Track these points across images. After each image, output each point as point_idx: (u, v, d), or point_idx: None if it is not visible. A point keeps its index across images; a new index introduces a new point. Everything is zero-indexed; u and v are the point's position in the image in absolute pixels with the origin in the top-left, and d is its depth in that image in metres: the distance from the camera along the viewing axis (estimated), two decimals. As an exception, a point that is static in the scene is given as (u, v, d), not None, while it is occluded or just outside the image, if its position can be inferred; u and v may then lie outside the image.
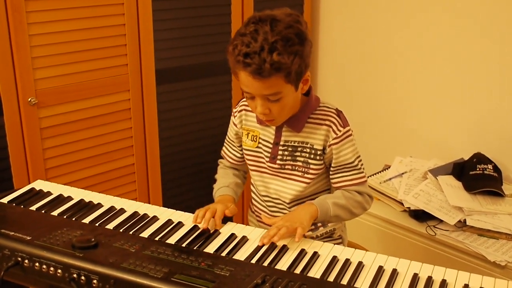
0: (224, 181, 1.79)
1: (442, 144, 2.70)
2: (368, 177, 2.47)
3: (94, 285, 1.30)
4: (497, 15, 2.40)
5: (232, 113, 1.79)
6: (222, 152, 1.87)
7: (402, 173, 2.49)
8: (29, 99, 2.15)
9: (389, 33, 2.80)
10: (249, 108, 1.72)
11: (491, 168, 2.35)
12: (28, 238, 1.41)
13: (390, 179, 2.48)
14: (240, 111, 1.75)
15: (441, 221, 2.20)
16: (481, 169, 2.35)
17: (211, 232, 1.52)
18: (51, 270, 1.34)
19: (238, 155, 1.82)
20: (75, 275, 1.31)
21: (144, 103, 2.47)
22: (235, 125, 1.77)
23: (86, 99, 2.31)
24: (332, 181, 1.68)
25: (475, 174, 2.34)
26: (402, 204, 2.32)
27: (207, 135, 2.74)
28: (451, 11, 2.54)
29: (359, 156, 1.67)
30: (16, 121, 2.15)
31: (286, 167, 1.67)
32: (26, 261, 1.37)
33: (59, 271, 1.33)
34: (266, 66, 1.43)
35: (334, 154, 1.63)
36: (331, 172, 1.67)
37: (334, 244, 1.64)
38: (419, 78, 2.74)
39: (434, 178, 2.39)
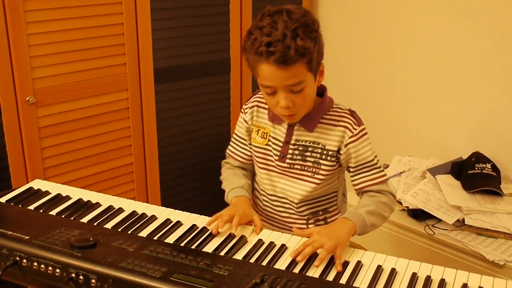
0: (237, 181, 1.72)
1: (441, 143, 2.71)
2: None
3: (92, 284, 1.29)
4: (497, 15, 2.40)
5: (242, 110, 1.76)
6: (229, 151, 1.82)
7: (401, 172, 2.49)
8: (27, 98, 2.14)
9: (388, 33, 2.80)
10: (261, 105, 1.71)
11: (490, 167, 2.35)
12: (26, 237, 1.41)
13: (389, 178, 2.47)
14: (252, 107, 1.73)
15: (439, 220, 2.20)
16: (479, 168, 2.35)
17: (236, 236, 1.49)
18: (49, 270, 1.34)
19: (249, 153, 1.78)
20: (73, 275, 1.31)
21: (142, 102, 2.47)
22: (245, 121, 1.74)
23: (84, 98, 2.31)
24: (354, 182, 1.66)
25: (473, 173, 2.34)
26: (400, 203, 2.31)
27: (205, 134, 2.73)
28: (451, 11, 2.54)
29: (376, 155, 1.65)
30: (14, 120, 2.15)
31: (295, 166, 1.66)
32: (24, 260, 1.36)
33: (58, 270, 1.33)
34: (291, 52, 1.42)
35: (353, 153, 1.61)
36: (351, 174, 1.65)
37: None
38: (418, 78, 2.74)
39: (432, 177, 2.39)
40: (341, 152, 1.62)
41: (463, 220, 2.16)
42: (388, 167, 2.58)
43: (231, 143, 1.82)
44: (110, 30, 2.30)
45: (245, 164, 1.80)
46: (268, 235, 1.51)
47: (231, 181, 1.74)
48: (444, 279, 1.31)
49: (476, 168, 2.35)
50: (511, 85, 2.42)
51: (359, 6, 2.88)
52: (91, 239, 1.40)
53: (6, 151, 2.16)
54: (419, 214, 2.25)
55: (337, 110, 1.65)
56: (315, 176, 1.64)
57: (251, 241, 1.47)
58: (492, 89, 2.48)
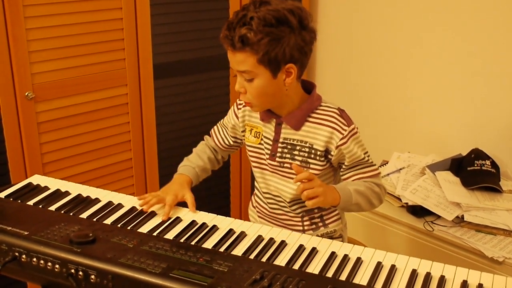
0: (194, 161, 1.80)
1: (440, 139, 2.70)
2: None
3: (92, 280, 1.29)
4: (496, 10, 2.39)
5: (236, 104, 1.77)
6: (212, 131, 1.87)
7: (400, 169, 2.49)
8: (26, 94, 2.14)
9: (387, 30, 2.80)
10: None
11: (489, 164, 2.35)
12: (26, 233, 1.41)
13: (388, 174, 2.48)
14: (245, 105, 1.73)
15: (438, 216, 2.20)
16: (479, 165, 2.35)
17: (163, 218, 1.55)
18: (48, 266, 1.33)
19: (226, 142, 1.83)
20: (72, 271, 1.31)
21: (141, 98, 2.47)
22: (236, 117, 1.76)
23: (83, 93, 2.30)
24: (344, 177, 1.66)
25: (473, 170, 2.34)
26: (400, 199, 2.31)
27: (204, 130, 2.70)
28: (450, 7, 2.54)
29: (367, 151, 1.66)
30: (13, 116, 2.14)
31: (285, 165, 1.66)
32: (24, 256, 1.36)
33: (57, 266, 1.33)
34: (235, 39, 1.49)
35: (346, 154, 1.61)
36: (342, 171, 1.66)
37: None
38: (417, 74, 2.73)
39: (432, 173, 2.39)
40: (332, 153, 1.61)
41: (462, 216, 2.16)
42: (387, 163, 2.58)
43: (218, 125, 1.87)
44: (109, 25, 2.30)
45: (218, 148, 1.86)
46: (268, 231, 1.50)
47: (191, 158, 1.83)
48: (444, 276, 1.31)
49: (476, 165, 2.35)
50: (510, 81, 2.42)
51: (359, 4, 2.88)
52: (91, 234, 1.40)
53: (5, 146, 2.15)
54: (418, 211, 2.25)
55: (325, 108, 1.64)
56: None
57: (251, 237, 1.47)
58: (492, 86, 2.48)
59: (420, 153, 2.65)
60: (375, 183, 1.65)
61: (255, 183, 1.82)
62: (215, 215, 1.59)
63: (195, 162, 1.80)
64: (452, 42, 2.56)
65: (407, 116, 2.82)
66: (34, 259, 1.35)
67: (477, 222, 2.13)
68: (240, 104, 1.75)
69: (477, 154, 2.40)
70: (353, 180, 1.65)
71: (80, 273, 1.30)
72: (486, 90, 2.50)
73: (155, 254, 1.34)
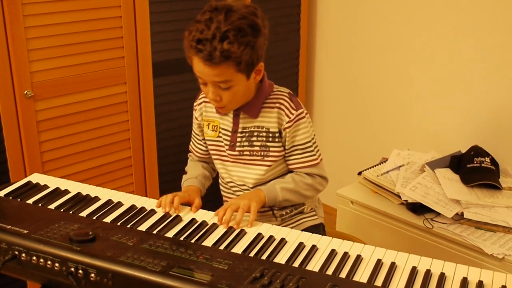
0: (192, 173, 1.82)
1: (440, 137, 2.71)
2: (365, 170, 2.49)
3: (92, 278, 1.29)
4: (496, 7, 2.39)
5: (193, 107, 1.84)
6: (190, 147, 1.91)
7: (400, 166, 2.49)
8: (25, 92, 2.13)
9: (386, 27, 2.80)
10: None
11: (489, 161, 2.35)
12: (25, 231, 1.40)
13: (387, 172, 2.48)
14: (200, 103, 1.81)
15: (438, 214, 2.20)
16: (478, 162, 2.35)
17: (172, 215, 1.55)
18: (48, 264, 1.33)
19: (204, 148, 1.86)
20: (72, 269, 1.31)
21: (141, 96, 2.46)
22: (196, 118, 1.83)
23: (82, 91, 2.30)
24: (287, 163, 1.74)
25: (472, 167, 2.34)
26: (399, 197, 2.31)
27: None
28: (450, 4, 2.53)
29: (313, 139, 1.72)
30: (12, 114, 2.14)
31: (245, 153, 1.72)
32: (23, 255, 1.36)
33: (57, 264, 1.32)
34: (216, 53, 1.49)
35: (288, 136, 1.68)
36: (286, 154, 1.72)
37: (309, 219, 1.76)
38: (416, 71, 2.73)
39: (431, 171, 2.38)
40: (282, 135, 1.69)
41: (462, 213, 2.16)
42: (387, 160, 2.58)
43: (191, 139, 1.90)
44: (108, 23, 2.29)
45: (203, 158, 1.89)
46: (268, 229, 1.51)
47: (189, 172, 1.85)
48: (443, 273, 1.31)
49: (475, 162, 2.35)
50: (510, 78, 2.42)
51: (359, 2, 2.88)
52: (90, 233, 1.39)
53: (4, 145, 2.15)
54: (418, 208, 2.25)
55: (277, 93, 1.71)
56: (265, 159, 1.71)
57: (250, 235, 1.47)
58: (491, 83, 2.48)
59: (420, 150, 2.65)
60: (309, 174, 1.71)
61: (219, 176, 1.86)
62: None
63: (195, 172, 1.82)
64: (452, 39, 2.56)
65: (407, 113, 2.82)
66: (34, 258, 1.35)
67: (477, 219, 2.13)
68: (195, 105, 1.82)
69: (477, 151, 2.40)
70: (292, 168, 1.72)
71: (80, 271, 1.30)
72: (486, 87, 2.50)
73: (155, 252, 1.34)
